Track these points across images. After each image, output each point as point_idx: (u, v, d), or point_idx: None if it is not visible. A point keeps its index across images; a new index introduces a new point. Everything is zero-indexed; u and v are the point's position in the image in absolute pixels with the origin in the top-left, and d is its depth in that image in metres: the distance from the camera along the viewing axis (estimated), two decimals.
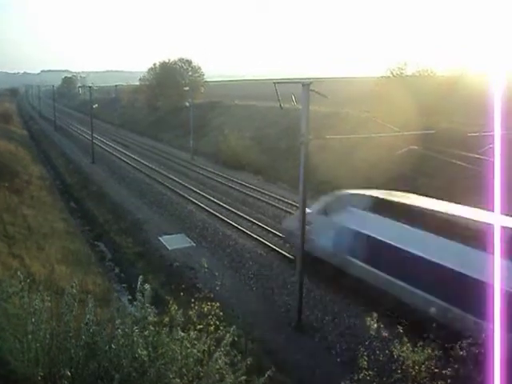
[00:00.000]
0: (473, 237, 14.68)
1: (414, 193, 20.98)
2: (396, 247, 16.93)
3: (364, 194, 20.39)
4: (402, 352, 9.72)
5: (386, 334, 10.14)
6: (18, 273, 8.34)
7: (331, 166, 34.23)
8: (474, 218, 15.73)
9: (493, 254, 10.52)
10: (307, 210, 17.98)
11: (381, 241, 17.66)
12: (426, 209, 17.63)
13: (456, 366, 9.32)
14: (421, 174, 29.95)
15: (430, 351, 9.55)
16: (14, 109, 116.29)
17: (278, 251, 24.78)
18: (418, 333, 10.47)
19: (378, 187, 25.34)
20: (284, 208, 31.84)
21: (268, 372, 8.02)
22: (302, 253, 17.84)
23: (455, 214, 16.59)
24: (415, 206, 18.09)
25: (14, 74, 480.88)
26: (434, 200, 18.74)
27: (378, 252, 17.93)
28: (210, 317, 8.74)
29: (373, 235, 18.14)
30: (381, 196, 19.97)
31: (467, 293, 13.79)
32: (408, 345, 9.76)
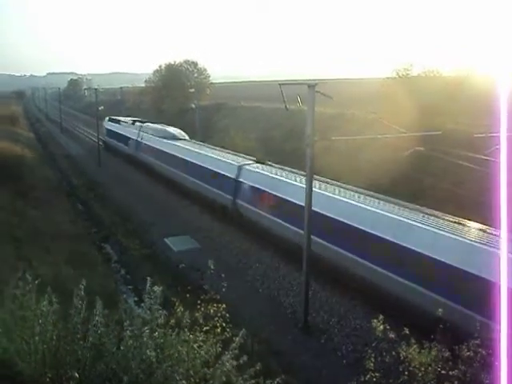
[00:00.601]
0: None
1: (420, 195, 21.00)
2: None
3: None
4: (409, 353, 9.69)
5: (393, 336, 10.10)
6: (26, 275, 8.36)
7: (336, 168, 34.13)
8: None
9: None
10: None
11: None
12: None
13: (463, 368, 9.29)
14: (427, 175, 29.84)
15: (436, 352, 9.52)
16: (20, 111, 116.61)
17: (280, 254, 24.76)
18: (425, 333, 10.45)
19: (382, 188, 25.35)
20: None
21: (277, 379, 8.02)
22: (307, 254, 17.83)
23: None
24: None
25: (21, 76, 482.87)
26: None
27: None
28: (216, 318, 8.72)
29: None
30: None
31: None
32: (415, 346, 9.73)
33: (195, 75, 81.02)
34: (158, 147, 42.85)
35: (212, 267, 10.81)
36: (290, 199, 23.26)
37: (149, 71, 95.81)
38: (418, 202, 21.24)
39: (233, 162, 30.44)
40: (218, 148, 37.28)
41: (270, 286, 21.75)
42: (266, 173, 27.27)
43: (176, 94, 74.93)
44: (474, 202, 22.63)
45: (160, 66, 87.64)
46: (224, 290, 12.07)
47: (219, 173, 30.91)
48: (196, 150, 37.43)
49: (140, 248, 26.59)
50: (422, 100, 35.14)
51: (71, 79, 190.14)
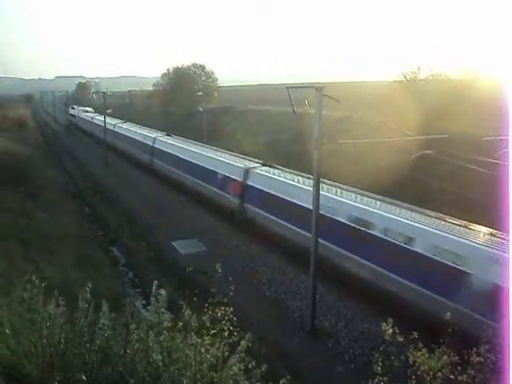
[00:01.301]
0: None
1: (427, 198, 20.95)
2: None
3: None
4: (418, 358, 9.62)
5: (402, 339, 10.03)
6: (33, 277, 8.37)
7: (344, 170, 34.05)
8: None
9: None
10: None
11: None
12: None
13: (472, 373, 9.21)
14: (435, 178, 29.72)
15: (446, 357, 9.44)
16: (28, 114, 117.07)
17: (289, 257, 24.75)
18: (433, 337, 10.38)
19: (390, 191, 25.26)
20: None
21: (283, 380, 7.99)
22: (315, 258, 17.81)
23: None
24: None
25: (29, 79, 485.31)
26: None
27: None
28: (223, 322, 8.69)
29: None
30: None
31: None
32: (424, 350, 9.66)
33: (203, 78, 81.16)
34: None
35: (219, 270, 10.78)
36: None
37: (157, 75, 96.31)
38: (425, 205, 21.14)
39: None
40: (221, 150, 38.04)
41: (277, 290, 21.71)
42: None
43: (184, 97, 75.06)
44: (481, 205, 22.52)
45: (168, 70, 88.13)
46: (231, 293, 12.04)
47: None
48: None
49: (147, 251, 26.60)
50: (429, 103, 35.08)
51: (79, 82, 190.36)
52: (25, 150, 52.40)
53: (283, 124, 49.41)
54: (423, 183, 29.78)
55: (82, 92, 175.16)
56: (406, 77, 41.22)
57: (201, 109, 55.10)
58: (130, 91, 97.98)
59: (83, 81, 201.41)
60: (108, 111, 58.24)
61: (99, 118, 66.79)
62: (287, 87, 17.53)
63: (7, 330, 7.69)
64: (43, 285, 8.30)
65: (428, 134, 28.34)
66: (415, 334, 9.99)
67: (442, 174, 29.97)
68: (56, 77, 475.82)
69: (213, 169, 33.35)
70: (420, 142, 29.17)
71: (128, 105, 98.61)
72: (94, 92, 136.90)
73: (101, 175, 49.00)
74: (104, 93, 67.29)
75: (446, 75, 39.76)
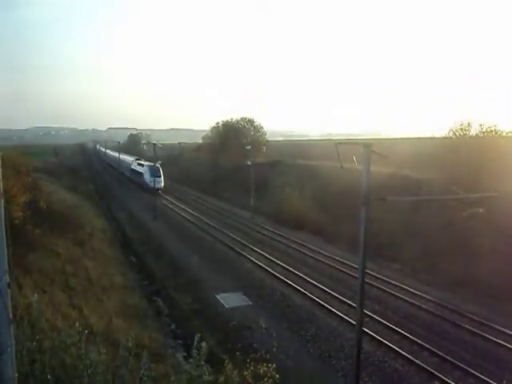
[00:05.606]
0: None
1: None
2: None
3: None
4: None
5: None
6: (77, 324, 8.40)
7: (392, 229, 33.59)
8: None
9: None
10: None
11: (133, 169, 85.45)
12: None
13: None
14: (486, 238, 28.85)
15: None
16: (81, 163, 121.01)
17: (335, 313, 24.22)
18: None
19: (440, 252, 24.67)
20: (342, 269, 31.30)
21: None
22: (361, 316, 17.33)
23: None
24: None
25: (84, 130, 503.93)
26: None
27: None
28: (265, 379, 8.46)
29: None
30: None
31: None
32: None
33: (252, 132, 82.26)
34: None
35: (263, 325, 10.58)
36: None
37: (205, 128, 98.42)
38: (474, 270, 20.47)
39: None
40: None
41: (321, 347, 21.13)
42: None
43: (232, 150, 76.04)
44: None
45: (217, 123, 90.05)
46: (274, 349, 11.80)
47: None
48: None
49: (191, 302, 26.51)
50: (480, 160, 34.49)
51: (131, 134, 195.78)
52: (76, 197, 53.85)
53: (331, 179, 49.31)
54: (474, 243, 28.85)
55: (133, 143, 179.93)
56: (455, 134, 40.72)
57: (249, 162, 55.64)
58: (179, 143, 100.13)
59: (135, 132, 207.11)
60: (158, 163, 59.48)
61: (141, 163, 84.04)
62: (335, 143, 17.56)
63: (49, 376, 7.68)
64: (86, 331, 8.31)
65: (478, 191, 27.79)
66: None
67: (493, 234, 29.06)
68: (109, 128, 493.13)
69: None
70: (471, 199, 28.62)
71: (177, 156, 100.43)
72: (144, 143, 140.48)
73: (149, 225, 49.64)
74: (154, 144, 68.91)
75: (497, 132, 39.00)
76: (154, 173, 69.60)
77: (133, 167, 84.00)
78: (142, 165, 79.25)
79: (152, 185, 65.73)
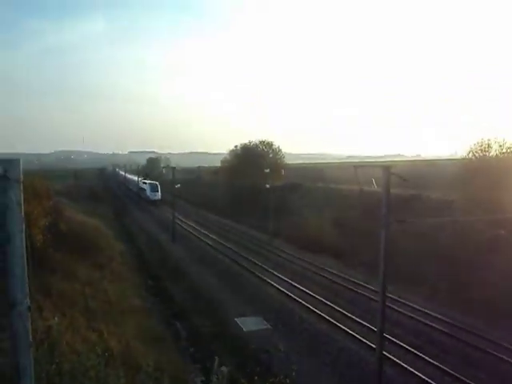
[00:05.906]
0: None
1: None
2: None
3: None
4: None
5: None
6: (96, 347, 8.39)
7: (412, 252, 33.20)
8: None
9: None
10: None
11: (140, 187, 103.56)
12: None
13: None
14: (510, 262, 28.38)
15: None
16: (101, 187, 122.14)
17: (355, 336, 23.91)
18: None
19: (462, 273, 24.28)
20: (362, 292, 30.99)
21: None
22: (381, 340, 17.11)
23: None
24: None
25: (104, 154, 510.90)
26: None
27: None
28: None
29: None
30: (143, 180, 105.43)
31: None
32: None
33: (270, 155, 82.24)
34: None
35: (282, 349, 10.48)
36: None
37: (223, 151, 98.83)
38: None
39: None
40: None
41: (341, 371, 20.83)
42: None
43: (251, 173, 75.94)
44: None
45: (236, 146, 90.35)
46: (294, 373, 11.65)
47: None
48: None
49: (210, 326, 26.37)
50: (501, 181, 34.13)
51: (150, 157, 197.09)
52: (96, 220, 54.22)
53: (350, 201, 49.11)
54: (497, 268, 28.35)
55: (153, 166, 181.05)
56: (474, 155, 40.41)
57: (267, 186, 55.65)
58: (198, 167, 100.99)
59: (154, 156, 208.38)
60: (176, 186, 59.66)
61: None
62: (354, 166, 17.60)
63: None
64: (106, 355, 8.29)
65: (500, 212, 27.45)
66: None
67: None
68: (129, 151, 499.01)
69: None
70: (493, 221, 28.25)
71: (196, 180, 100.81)
72: (163, 167, 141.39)
73: (168, 249, 49.73)
74: (173, 168, 69.29)
75: None
76: (153, 188, 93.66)
77: (140, 185, 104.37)
78: (145, 183, 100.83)
79: (151, 197, 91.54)
